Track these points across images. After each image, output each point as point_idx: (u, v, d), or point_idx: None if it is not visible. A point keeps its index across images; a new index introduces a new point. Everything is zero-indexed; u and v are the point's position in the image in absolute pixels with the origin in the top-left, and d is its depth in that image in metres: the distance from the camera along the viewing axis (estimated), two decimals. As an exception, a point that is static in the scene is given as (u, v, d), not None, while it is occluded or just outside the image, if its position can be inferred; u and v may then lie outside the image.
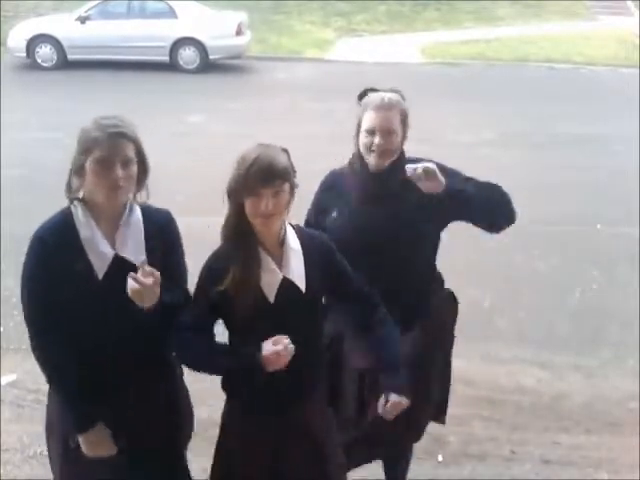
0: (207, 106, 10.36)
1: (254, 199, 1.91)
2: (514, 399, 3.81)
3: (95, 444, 2.05)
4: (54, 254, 1.96)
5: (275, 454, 2.09)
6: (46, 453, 3.19)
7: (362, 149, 2.36)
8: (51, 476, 3.14)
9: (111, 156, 1.90)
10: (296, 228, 2.11)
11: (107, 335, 1.99)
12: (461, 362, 3.94)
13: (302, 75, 13.12)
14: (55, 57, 12.93)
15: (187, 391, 2.31)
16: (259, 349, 1.89)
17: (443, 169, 2.33)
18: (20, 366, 3.88)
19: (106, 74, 12.31)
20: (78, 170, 1.95)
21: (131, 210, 2.03)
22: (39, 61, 12.92)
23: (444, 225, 2.48)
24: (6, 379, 3.84)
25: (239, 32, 13.31)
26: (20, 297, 2.07)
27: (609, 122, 9.63)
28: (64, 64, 12.88)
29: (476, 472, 3.25)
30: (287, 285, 2.00)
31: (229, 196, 1.97)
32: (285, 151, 2.00)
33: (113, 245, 1.98)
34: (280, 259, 2.01)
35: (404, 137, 2.39)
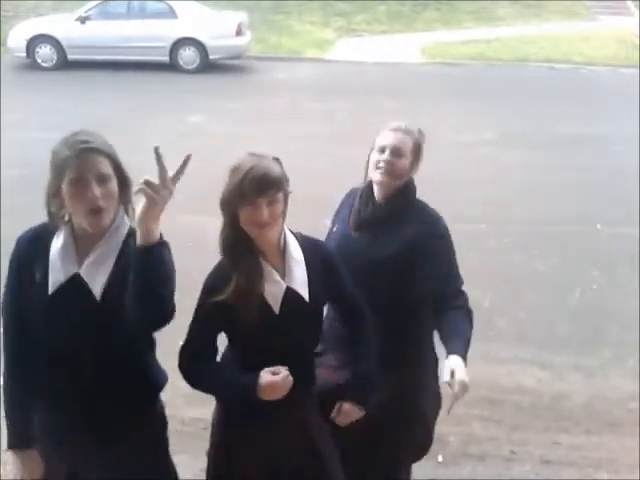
0: (207, 106, 10.36)
1: (249, 209, 1.91)
2: (514, 399, 3.81)
3: (21, 469, 1.96)
4: (22, 259, 1.91)
5: (274, 454, 2.09)
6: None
7: (370, 167, 2.37)
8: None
9: (84, 174, 1.77)
10: (297, 235, 2.10)
11: (59, 353, 1.90)
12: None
13: (302, 75, 13.12)
14: (55, 57, 12.92)
15: (166, 440, 2.17)
16: (255, 380, 1.92)
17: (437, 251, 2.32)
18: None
19: (106, 74, 12.32)
20: (55, 194, 1.83)
21: (115, 231, 1.88)
22: (39, 61, 12.91)
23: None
24: (6, 379, 3.83)
25: (239, 32, 13.31)
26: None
27: (609, 122, 9.63)
28: (64, 64, 12.88)
29: (476, 472, 3.25)
30: (291, 295, 2.00)
31: (223, 207, 1.96)
32: (277, 160, 2.00)
33: (80, 264, 1.87)
34: (282, 269, 2.01)
35: (413, 167, 2.38)
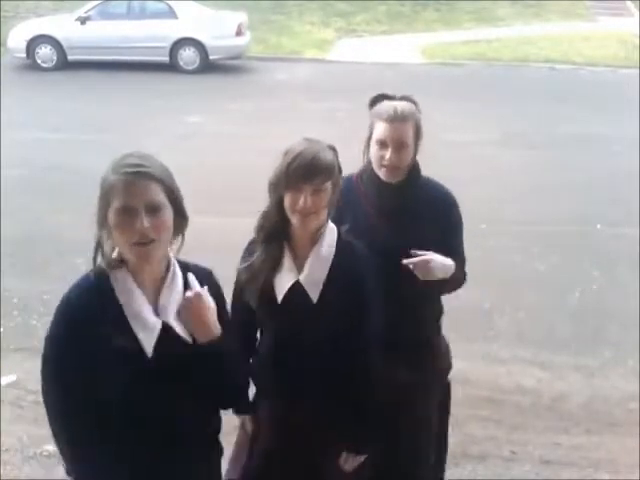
0: (207, 106, 10.36)
1: (294, 194, 1.87)
2: (514, 399, 3.81)
3: None
4: (86, 324, 1.59)
5: (279, 441, 2.11)
6: (46, 453, 3.23)
7: (373, 162, 2.25)
8: (50, 476, 3.15)
9: (131, 202, 1.55)
10: (341, 233, 2.02)
11: (151, 417, 1.67)
12: (461, 362, 3.95)
13: (302, 75, 13.12)
14: (55, 58, 12.92)
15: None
16: None
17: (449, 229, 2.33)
18: (20, 366, 3.88)
19: (106, 75, 12.31)
20: (103, 226, 1.60)
21: (174, 269, 1.69)
22: (39, 62, 12.91)
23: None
24: (6, 379, 3.83)
25: (239, 32, 13.31)
26: (41, 384, 1.70)
27: (609, 122, 9.63)
28: (64, 65, 12.88)
29: (476, 472, 3.24)
30: (299, 290, 1.95)
31: (270, 188, 1.94)
32: (332, 149, 1.95)
33: (156, 311, 1.64)
34: (303, 262, 1.96)
35: (417, 149, 2.27)
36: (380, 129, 2.20)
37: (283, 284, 1.96)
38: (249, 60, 13.95)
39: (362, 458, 2.11)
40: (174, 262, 1.70)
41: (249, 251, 2.03)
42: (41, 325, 4.19)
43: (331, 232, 1.99)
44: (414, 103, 2.27)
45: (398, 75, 12.99)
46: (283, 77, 12.94)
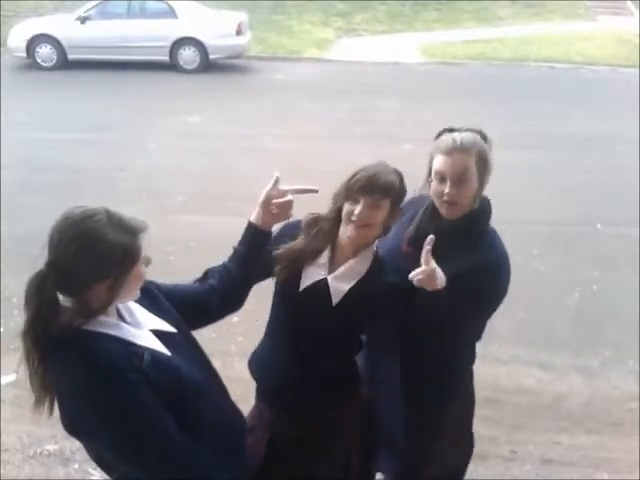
0: (207, 106, 10.36)
1: (351, 204, 1.95)
2: (514, 399, 3.82)
3: None
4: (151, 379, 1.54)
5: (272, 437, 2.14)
6: (46, 453, 3.24)
7: (434, 198, 2.10)
8: (50, 476, 3.16)
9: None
10: (379, 256, 2.07)
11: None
12: (461, 362, 3.95)
13: (302, 75, 13.12)
14: (55, 57, 12.91)
15: None
16: None
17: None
18: (20, 366, 3.88)
19: (106, 74, 12.32)
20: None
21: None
22: (39, 61, 12.90)
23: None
24: (6, 379, 3.84)
25: (239, 32, 13.31)
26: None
27: (609, 122, 9.63)
28: (64, 64, 12.87)
29: (476, 472, 3.24)
30: (322, 287, 2.01)
31: (333, 197, 2.02)
32: (397, 173, 2.00)
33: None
34: (337, 267, 2.02)
35: (483, 183, 2.08)
36: (439, 162, 2.06)
37: (310, 276, 2.01)
38: (249, 60, 13.95)
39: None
40: None
41: (288, 236, 2.06)
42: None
43: (371, 251, 2.05)
44: (482, 135, 2.11)
45: (398, 74, 13.01)
46: (283, 77, 12.94)
